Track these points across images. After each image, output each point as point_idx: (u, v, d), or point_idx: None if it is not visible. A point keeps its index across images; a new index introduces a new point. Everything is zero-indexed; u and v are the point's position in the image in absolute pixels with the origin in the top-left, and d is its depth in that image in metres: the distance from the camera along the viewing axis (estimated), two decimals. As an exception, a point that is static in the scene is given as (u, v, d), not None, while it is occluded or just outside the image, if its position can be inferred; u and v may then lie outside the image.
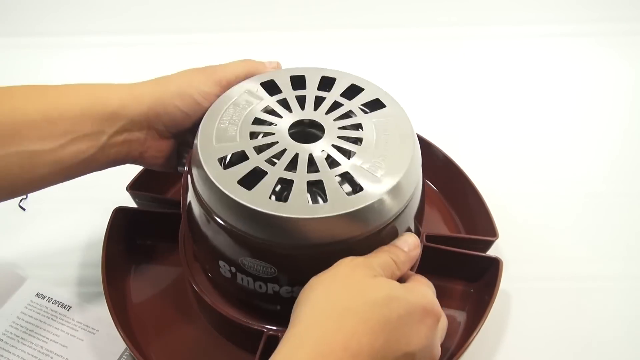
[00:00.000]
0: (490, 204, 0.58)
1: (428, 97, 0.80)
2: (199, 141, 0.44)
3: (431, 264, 0.52)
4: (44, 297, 0.56)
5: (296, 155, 0.44)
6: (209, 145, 0.44)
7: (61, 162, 0.44)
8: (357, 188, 0.42)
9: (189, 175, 0.47)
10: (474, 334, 0.48)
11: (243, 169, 0.43)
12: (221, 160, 0.43)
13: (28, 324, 0.54)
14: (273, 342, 0.45)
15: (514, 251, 0.59)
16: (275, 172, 0.42)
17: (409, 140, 0.45)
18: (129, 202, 0.59)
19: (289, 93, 0.49)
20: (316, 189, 0.44)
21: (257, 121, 0.46)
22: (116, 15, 0.95)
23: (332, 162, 0.44)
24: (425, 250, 0.51)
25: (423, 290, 0.41)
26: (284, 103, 0.48)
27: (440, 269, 0.53)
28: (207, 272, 0.49)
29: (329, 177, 0.42)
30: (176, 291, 0.54)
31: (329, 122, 0.46)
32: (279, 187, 0.43)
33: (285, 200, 0.41)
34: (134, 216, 0.57)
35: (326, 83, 0.49)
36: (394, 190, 0.42)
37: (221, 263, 0.45)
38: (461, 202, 0.61)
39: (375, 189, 0.42)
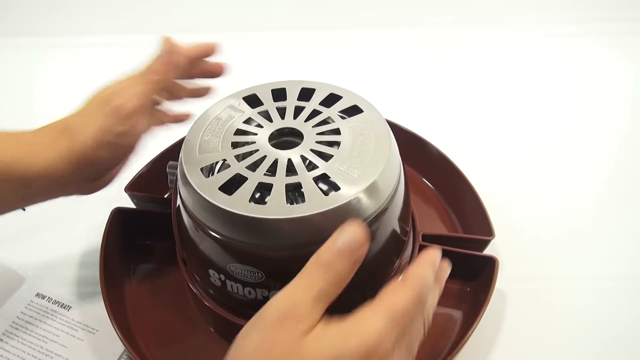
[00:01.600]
0: (487, 204, 0.58)
1: (427, 97, 0.81)
2: (182, 153, 0.47)
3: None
4: (44, 297, 0.56)
5: (275, 160, 0.45)
6: (192, 156, 0.46)
7: None
8: (334, 188, 0.44)
9: (177, 189, 0.49)
10: (470, 332, 0.49)
11: (224, 176, 0.44)
12: (204, 169, 0.45)
13: (28, 324, 0.54)
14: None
15: (510, 251, 0.59)
16: (255, 178, 0.44)
17: (385, 141, 0.46)
18: (128, 202, 0.61)
19: (270, 105, 0.51)
20: (297, 193, 0.45)
21: (239, 132, 0.48)
22: (116, 16, 0.97)
23: (310, 166, 0.45)
24: (422, 249, 0.52)
25: (368, 325, 0.32)
26: (265, 114, 0.50)
27: (436, 269, 0.54)
28: (200, 284, 0.51)
29: (307, 179, 0.44)
30: (174, 291, 0.55)
31: (308, 129, 0.48)
32: (259, 193, 0.45)
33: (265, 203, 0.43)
34: (132, 217, 0.58)
35: (306, 94, 0.51)
36: (371, 189, 0.43)
37: (211, 272, 0.47)
38: (458, 201, 0.62)
39: (351, 187, 0.43)
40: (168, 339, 0.51)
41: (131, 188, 0.60)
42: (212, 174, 0.46)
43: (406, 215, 0.51)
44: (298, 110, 0.50)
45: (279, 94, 0.51)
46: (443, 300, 0.53)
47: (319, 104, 0.50)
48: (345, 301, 0.47)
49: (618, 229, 0.62)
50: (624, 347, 0.52)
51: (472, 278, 0.54)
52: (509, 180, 0.68)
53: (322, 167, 0.45)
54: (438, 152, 0.64)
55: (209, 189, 0.44)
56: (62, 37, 0.94)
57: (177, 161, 0.50)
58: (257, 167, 0.45)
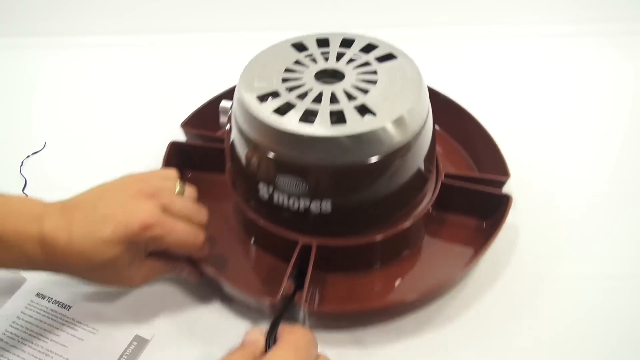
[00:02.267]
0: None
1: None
2: (241, 85, 0.54)
3: (448, 201, 0.60)
4: (44, 297, 0.56)
5: (321, 92, 0.53)
6: (250, 88, 0.53)
7: None
8: (370, 116, 0.51)
9: (232, 120, 0.56)
10: (475, 260, 0.55)
11: (277, 102, 0.52)
12: (259, 98, 0.52)
13: (28, 324, 0.54)
14: (307, 251, 0.53)
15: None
16: (304, 105, 0.51)
17: (416, 83, 0.54)
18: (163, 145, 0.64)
19: (315, 50, 0.58)
20: (338, 120, 0.51)
21: (288, 70, 0.55)
22: (116, 16, 0.96)
23: (350, 98, 0.52)
24: (443, 188, 0.59)
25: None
26: (311, 57, 0.57)
27: (456, 206, 0.60)
28: (248, 201, 0.57)
29: (348, 107, 0.51)
30: (221, 218, 0.59)
31: (349, 70, 0.55)
32: (307, 118, 0.51)
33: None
34: (186, 150, 0.65)
35: (347, 43, 0.59)
36: (399, 121, 0.50)
37: (260, 185, 0.53)
38: (474, 145, 0.69)
39: (384, 117, 0.50)
40: (219, 257, 0.56)
41: (186, 125, 0.67)
42: (266, 102, 0.53)
43: (431, 157, 0.58)
44: (340, 55, 0.57)
45: (323, 42, 0.59)
46: (460, 237, 0.59)
47: (359, 50, 0.57)
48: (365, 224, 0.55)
49: (618, 229, 0.63)
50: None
51: (489, 216, 0.59)
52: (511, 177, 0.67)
53: (361, 98, 0.52)
54: (457, 105, 0.70)
55: (264, 113, 0.51)
56: (63, 37, 0.93)
57: (229, 102, 0.57)
58: (305, 97, 0.52)
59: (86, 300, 0.56)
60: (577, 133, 0.75)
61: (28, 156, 0.72)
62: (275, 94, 0.53)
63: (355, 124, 0.49)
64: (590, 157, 0.72)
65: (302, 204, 0.52)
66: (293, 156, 0.50)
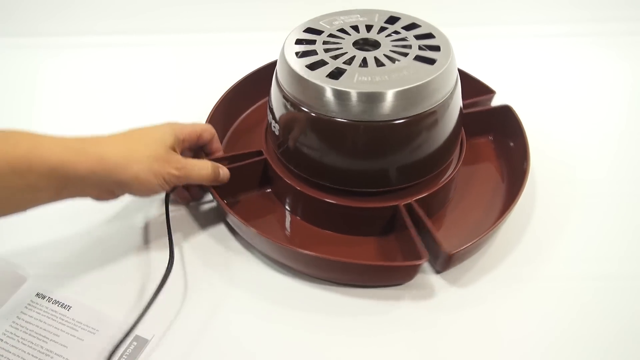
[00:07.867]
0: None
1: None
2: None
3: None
4: (44, 297, 0.56)
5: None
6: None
7: (19, 206, 0.49)
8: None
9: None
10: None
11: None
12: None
13: (28, 324, 0.54)
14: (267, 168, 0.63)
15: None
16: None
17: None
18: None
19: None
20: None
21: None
22: (116, 16, 0.96)
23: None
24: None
25: None
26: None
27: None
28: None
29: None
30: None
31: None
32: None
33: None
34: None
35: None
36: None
37: (269, 111, 0.62)
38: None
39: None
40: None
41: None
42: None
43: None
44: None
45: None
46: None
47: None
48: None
49: (609, 228, 0.63)
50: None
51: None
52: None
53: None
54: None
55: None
56: (63, 38, 0.94)
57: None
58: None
59: (86, 300, 0.56)
60: (574, 133, 0.75)
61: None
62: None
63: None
64: (587, 157, 0.72)
65: (277, 129, 0.60)
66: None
